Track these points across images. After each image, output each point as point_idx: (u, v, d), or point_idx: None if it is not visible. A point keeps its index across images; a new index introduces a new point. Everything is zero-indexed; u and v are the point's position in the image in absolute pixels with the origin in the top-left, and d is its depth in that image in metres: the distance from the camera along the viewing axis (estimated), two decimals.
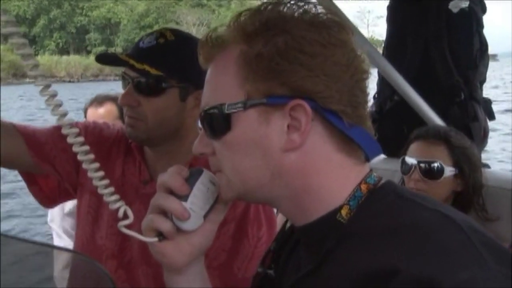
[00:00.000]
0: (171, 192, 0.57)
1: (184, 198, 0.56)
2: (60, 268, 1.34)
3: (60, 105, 0.57)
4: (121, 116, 1.36)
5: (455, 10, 1.47)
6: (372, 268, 0.47)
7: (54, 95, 0.56)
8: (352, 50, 0.53)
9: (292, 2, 0.53)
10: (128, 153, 0.91)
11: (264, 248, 0.86)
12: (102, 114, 1.63)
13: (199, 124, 0.59)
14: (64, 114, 0.58)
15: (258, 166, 0.55)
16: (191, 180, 0.58)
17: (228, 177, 0.56)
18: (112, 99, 1.65)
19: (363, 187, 0.54)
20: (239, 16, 0.53)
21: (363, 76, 0.53)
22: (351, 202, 0.54)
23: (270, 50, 0.51)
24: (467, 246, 0.45)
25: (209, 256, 0.68)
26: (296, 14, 0.52)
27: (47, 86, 0.55)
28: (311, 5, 0.54)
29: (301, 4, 0.53)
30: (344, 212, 0.53)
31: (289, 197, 0.56)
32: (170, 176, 0.58)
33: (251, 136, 0.54)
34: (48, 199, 0.95)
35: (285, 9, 0.53)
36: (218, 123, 0.55)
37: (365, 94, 0.54)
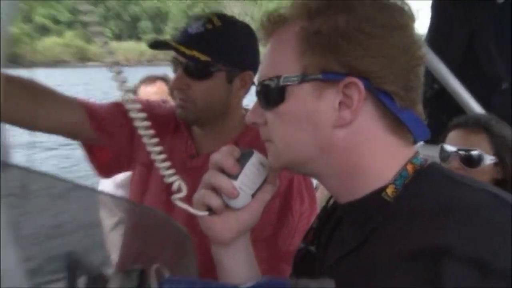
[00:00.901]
0: (223, 170, 0.59)
1: (234, 177, 0.58)
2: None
3: (125, 81, 0.58)
4: (171, 93, 1.47)
5: (500, 0, 1.47)
6: (420, 246, 0.47)
7: (120, 72, 0.58)
8: (411, 36, 0.53)
9: None
10: (176, 129, 0.97)
11: (306, 222, 0.90)
12: (154, 91, 1.75)
13: (256, 95, 0.60)
14: (130, 90, 0.59)
15: (307, 140, 0.55)
16: (242, 161, 0.60)
17: (277, 147, 0.57)
18: (162, 78, 1.77)
19: (409, 167, 0.54)
20: None
21: (419, 61, 0.53)
22: (397, 181, 0.54)
23: (330, 27, 0.51)
24: None
25: (256, 230, 0.69)
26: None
27: (116, 63, 0.55)
28: None
29: None
30: (389, 191, 0.53)
31: (335, 173, 0.57)
32: (223, 155, 0.60)
33: (303, 109, 0.54)
34: (104, 169, 1.00)
35: None
36: (273, 94, 0.56)
37: (419, 79, 0.54)
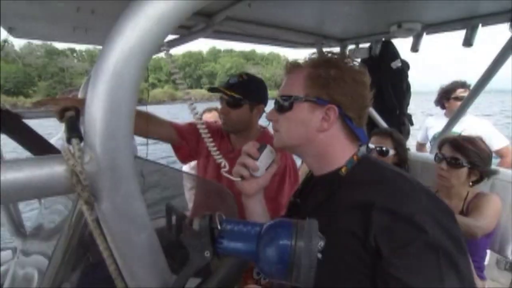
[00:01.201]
0: (249, 155, 0.81)
1: (256, 159, 0.81)
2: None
3: (195, 109, 0.62)
4: (220, 117, 2.33)
5: (394, 67, 2.17)
6: (360, 201, 0.64)
7: (193, 106, 0.61)
8: (367, 88, 0.74)
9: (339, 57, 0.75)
10: (222, 136, 1.50)
11: (294, 187, 1.27)
12: (211, 116, 2.64)
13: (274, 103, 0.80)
14: (197, 114, 0.63)
15: (300, 134, 0.75)
16: (260, 149, 0.82)
17: (281, 135, 0.78)
18: (215, 109, 2.67)
19: (355, 157, 0.74)
20: (312, 55, 0.78)
21: (368, 103, 0.75)
22: (348, 165, 0.73)
23: (325, 74, 0.71)
24: (413, 190, 0.63)
25: (266, 192, 0.93)
26: (344, 62, 0.74)
27: (191, 101, 0.61)
28: (349, 60, 0.75)
29: (346, 58, 0.75)
30: (343, 170, 0.73)
31: (313, 156, 0.77)
32: (249, 147, 0.82)
33: (302, 116, 0.73)
34: (183, 159, 1.54)
35: (336, 57, 0.76)
36: (285, 105, 0.75)
37: (366, 111, 0.76)
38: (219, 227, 0.43)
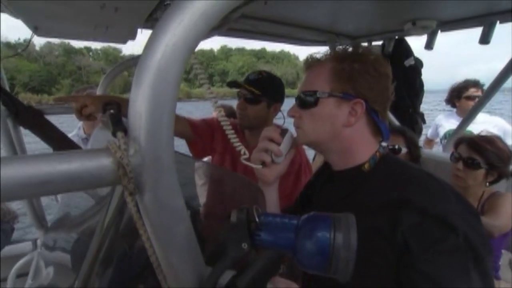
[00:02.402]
0: (271, 140, 0.79)
1: (279, 144, 0.79)
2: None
3: (218, 105, 0.63)
4: (228, 115, 2.26)
5: (407, 65, 2.17)
6: (390, 199, 0.62)
7: (216, 101, 0.63)
8: (390, 79, 0.74)
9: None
10: (237, 132, 1.49)
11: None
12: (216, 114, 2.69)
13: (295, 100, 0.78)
14: (221, 110, 0.65)
15: (325, 130, 0.73)
16: (282, 134, 0.80)
17: (305, 132, 0.77)
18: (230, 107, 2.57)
19: (378, 154, 0.74)
20: (334, 49, 0.76)
21: (391, 96, 0.75)
22: (371, 161, 0.73)
23: (350, 68, 0.70)
24: (443, 191, 0.62)
25: (281, 191, 0.95)
26: (367, 54, 0.73)
27: (215, 97, 0.62)
28: (372, 52, 0.74)
29: (371, 51, 0.74)
30: (366, 166, 0.73)
31: (337, 151, 0.76)
32: (271, 131, 0.81)
33: (327, 113, 0.72)
34: (198, 154, 1.55)
35: (359, 50, 0.75)
36: (310, 101, 0.73)
37: (389, 104, 0.75)
38: (257, 219, 0.43)
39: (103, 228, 0.53)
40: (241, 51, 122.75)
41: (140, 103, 0.37)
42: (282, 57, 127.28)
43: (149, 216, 0.40)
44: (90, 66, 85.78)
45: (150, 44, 0.37)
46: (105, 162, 0.36)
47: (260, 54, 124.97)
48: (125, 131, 0.38)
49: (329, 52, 0.76)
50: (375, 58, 0.73)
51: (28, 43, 0.94)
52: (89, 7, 0.87)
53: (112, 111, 0.40)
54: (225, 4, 0.39)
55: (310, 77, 0.77)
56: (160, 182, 0.39)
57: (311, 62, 0.78)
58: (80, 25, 1.07)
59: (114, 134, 0.38)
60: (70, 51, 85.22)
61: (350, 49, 0.75)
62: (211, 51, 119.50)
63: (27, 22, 0.94)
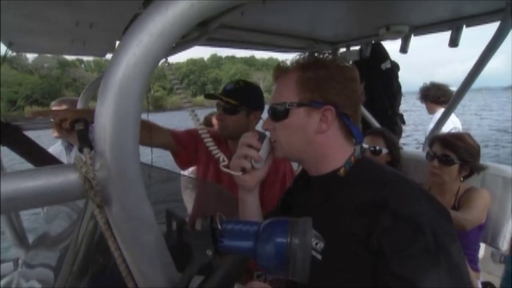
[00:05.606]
0: (250, 146, 0.78)
1: (258, 150, 0.78)
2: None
3: (196, 115, 0.66)
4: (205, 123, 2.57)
5: (384, 68, 2.26)
6: (365, 203, 0.63)
7: (194, 113, 0.73)
8: (358, 82, 0.73)
9: (328, 55, 0.75)
10: (220, 142, 1.51)
11: None
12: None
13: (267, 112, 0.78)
14: (198, 120, 0.66)
15: (299, 140, 0.74)
16: (260, 140, 0.79)
17: (281, 144, 0.77)
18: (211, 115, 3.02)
19: (352, 158, 0.74)
20: (299, 58, 0.76)
21: (360, 98, 0.75)
22: (346, 165, 0.73)
23: (315, 76, 0.70)
24: (414, 192, 0.64)
25: (266, 201, 0.99)
26: (331, 60, 0.74)
27: (192, 109, 0.65)
28: (335, 57, 0.76)
29: (334, 57, 0.75)
30: (341, 170, 0.73)
31: (312, 158, 0.76)
32: (250, 137, 0.79)
33: (299, 123, 0.73)
34: (183, 165, 1.58)
35: (324, 56, 0.75)
36: (281, 113, 0.73)
37: (360, 106, 0.75)
38: (219, 227, 0.45)
39: (77, 241, 0.54)
40: (231, 59, 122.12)
41: (104, 118, 0.39)
42: (271, 64, 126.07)
43: (118, 227, 0.42)
44: (84, 78, 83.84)
45: (112, 62, 0.39)
46: (71, 177, 0.38)
47: (251, 62, 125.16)
48: (91, 146, 0.40)
49: (294, 61, 0.77)
50: (339, 64, 0.73)
51: (3, 58, 0.93)
52: (64, 23, 0.89)
53: (79, 127, 0.42)
54: (184, 21, 0.41)
55: (278, 88, 0.78)
56: (127, 193, 0.41)
57: (278, 73, 0.78)
58: (57, 41, 1.08)
59: (80, 150, 0.39)
60: (64, 64, 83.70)
61: (315, 55, 0.76)
62: (202, 60, 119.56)
63: (1, 38, 0.94)
